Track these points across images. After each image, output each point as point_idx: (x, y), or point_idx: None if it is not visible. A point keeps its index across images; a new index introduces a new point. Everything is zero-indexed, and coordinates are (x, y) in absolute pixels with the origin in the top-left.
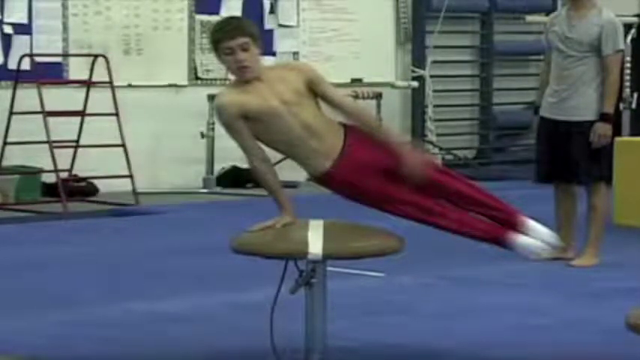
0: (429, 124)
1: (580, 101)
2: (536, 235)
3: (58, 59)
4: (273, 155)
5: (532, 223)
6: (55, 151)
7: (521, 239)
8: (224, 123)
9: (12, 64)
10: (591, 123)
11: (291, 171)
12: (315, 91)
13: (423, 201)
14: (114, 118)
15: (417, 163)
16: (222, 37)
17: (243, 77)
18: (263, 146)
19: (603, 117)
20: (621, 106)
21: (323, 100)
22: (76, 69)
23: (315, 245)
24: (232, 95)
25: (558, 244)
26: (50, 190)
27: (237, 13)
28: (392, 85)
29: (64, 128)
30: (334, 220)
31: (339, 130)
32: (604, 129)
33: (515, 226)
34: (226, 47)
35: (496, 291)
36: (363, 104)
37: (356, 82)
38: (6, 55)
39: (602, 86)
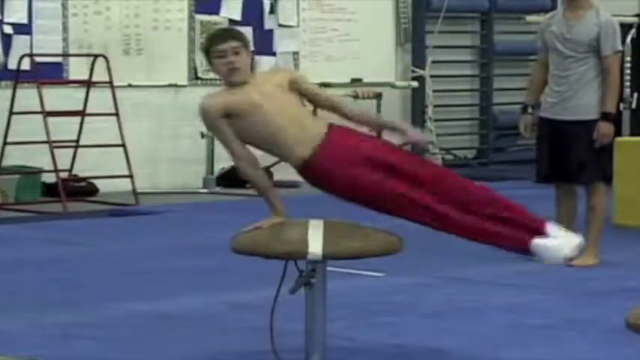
0: (429, 124)
1: (582, 101)
2: (560, 240)
3: (58, 59)
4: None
5: (554, 227)
6: (55, 151)
7: (547, 244)
8: (208, 124)
9: (12, 64)
10: (594, 122)
11: (291, 171)
12: (299, 90)
13: (422, 197)
14: (114, 118)
15: (417, 135)
16: (214, 41)
17: (233, 79)
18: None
19: (605, 116)
20: (621, 106)
21: (310, 97)
22: (76, 69)
23: (315, 245)
24: (215, 97)
25: (583, 245)
26: (50, 190)
27: (237, 13)
28: (392, 85)
29: (64, 128)
30: (334, 220)
31: (322, 122)
32: (607, 128)
33: (537, 231)
34: (218, 50)
35: (496, 291)
36: (363, 104)
37: (356, 82)
38: (6, 55)
39: (603, 86)
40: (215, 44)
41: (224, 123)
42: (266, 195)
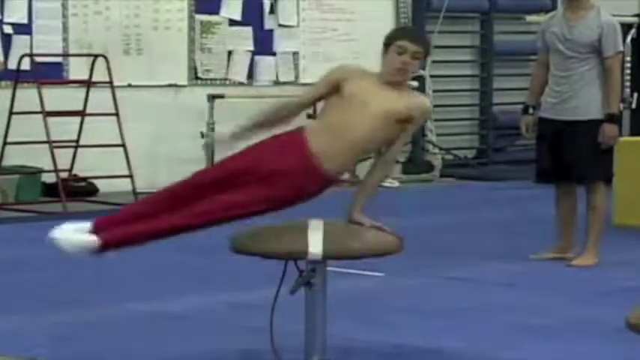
0: (429, 124)
1: (584, 100)
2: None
3: (58, 59)
4: None
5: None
6: (55, 151)
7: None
8: (329, 71)
9: (12, 64)
10: (594, 122)
11: None
12: (401, 125)
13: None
14: (114, 118)
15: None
16: (407, 36)
17: (395, 77)
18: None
19: (610, 118)
20: (621, 106)
21: (392, 135)
22: (76, 69)
23: (315, 245)
24: (359, 69)
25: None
26: (50, 190)
27: (237, 13)
28: None
29: (64, 128)
30: (334, 220)
31: (344, 160)
32: (611, 130)
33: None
34: (402, 46)
35: (496, 291)
36: None
37: None
38: (6, 55)
39: (604, 86)
40: (404, 39)
41: (329, 86)
42: (257, 117)
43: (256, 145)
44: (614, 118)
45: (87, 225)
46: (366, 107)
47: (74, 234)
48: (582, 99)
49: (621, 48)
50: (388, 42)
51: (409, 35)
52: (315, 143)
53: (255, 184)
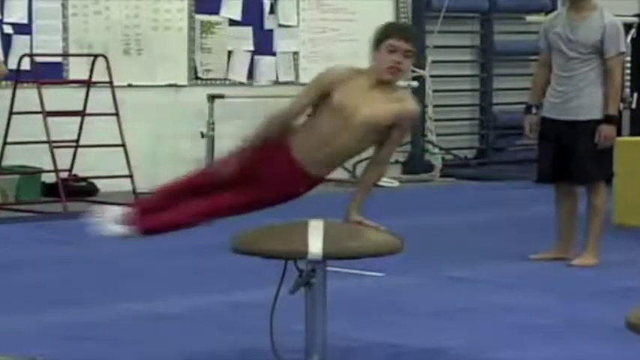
0: (429, 124)
1: (586, 101)
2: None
3: (58, 59)
4: None
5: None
6: (55, 151)
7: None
8: (318, 76)
9: (12, 64)
10: (596, 122)
11: None
12: (389, 129)
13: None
14: (114, 118)
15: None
16: (398, 34)
17: (386, 76)
18: None
19: (607, 119)
20: (621, 106)
21: (383, 138)
22: (76, 69)
23: (315, 245)
24: (348, 70)
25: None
26: (50, 190)
27: (237, 13)
28: None
29: (64, 128)
30: (334, 220)
31: (325, 171)
32: (609, 130)
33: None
34: (394, 44)
35: (496, 291)
36: None
37: None
38: (6, 55)
39: (605, 87)
40: (396, 38)
41: (317, 91)
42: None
43: (247, 151)
44: (612, 119)
45: (126, 211)
46: (351, 118)
47: (113, 225)
48: (584, 99)
49: (623, 49)
50: (380, 39)
51: (402, 33)
52: (298, 151)
53: (248, 187)
